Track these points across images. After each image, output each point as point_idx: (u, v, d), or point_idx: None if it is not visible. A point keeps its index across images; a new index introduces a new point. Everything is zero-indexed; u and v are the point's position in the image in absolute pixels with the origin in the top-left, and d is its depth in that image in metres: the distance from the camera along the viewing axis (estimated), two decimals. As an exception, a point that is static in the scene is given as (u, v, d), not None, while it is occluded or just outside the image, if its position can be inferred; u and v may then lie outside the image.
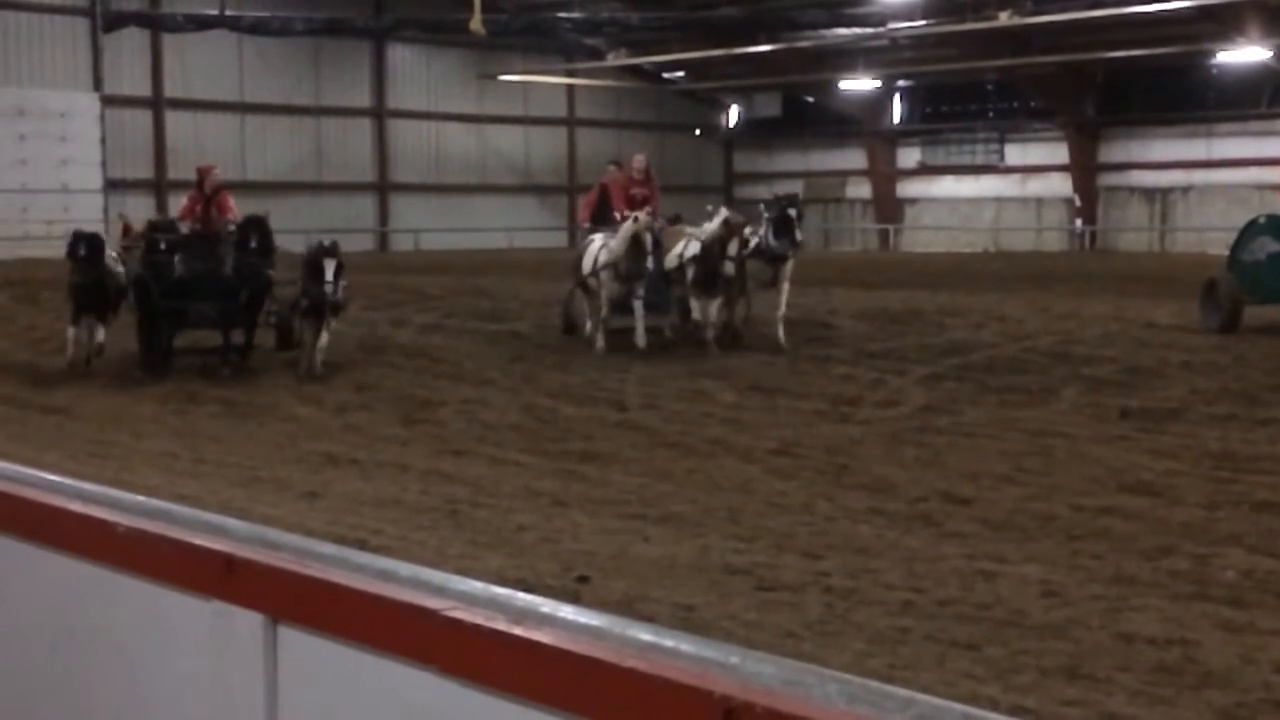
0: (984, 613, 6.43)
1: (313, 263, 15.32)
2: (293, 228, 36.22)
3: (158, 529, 2.51)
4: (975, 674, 5.58)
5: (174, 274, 15.22)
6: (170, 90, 41.54)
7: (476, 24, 31.42)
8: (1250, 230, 18.13)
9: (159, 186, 41.34)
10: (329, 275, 15.15)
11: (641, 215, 16.39)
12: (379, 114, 45.85)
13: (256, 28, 39.02)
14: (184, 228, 16.56)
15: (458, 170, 47.04)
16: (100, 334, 15.75)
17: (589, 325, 17.23)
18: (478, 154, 47.76)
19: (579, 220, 18.86)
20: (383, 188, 45.97)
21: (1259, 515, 8.28)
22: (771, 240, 16.86)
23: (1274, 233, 17.40)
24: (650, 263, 16.16)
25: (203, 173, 16.92)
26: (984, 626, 6.22)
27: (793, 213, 17.02)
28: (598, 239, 17.19)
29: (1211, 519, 8.22)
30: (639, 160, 18.88)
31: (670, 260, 16.65)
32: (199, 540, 2.40)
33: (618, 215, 17.51)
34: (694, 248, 16.50)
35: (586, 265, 17.08)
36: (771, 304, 17.10)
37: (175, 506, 2.70)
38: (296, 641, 2.22)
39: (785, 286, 16.99)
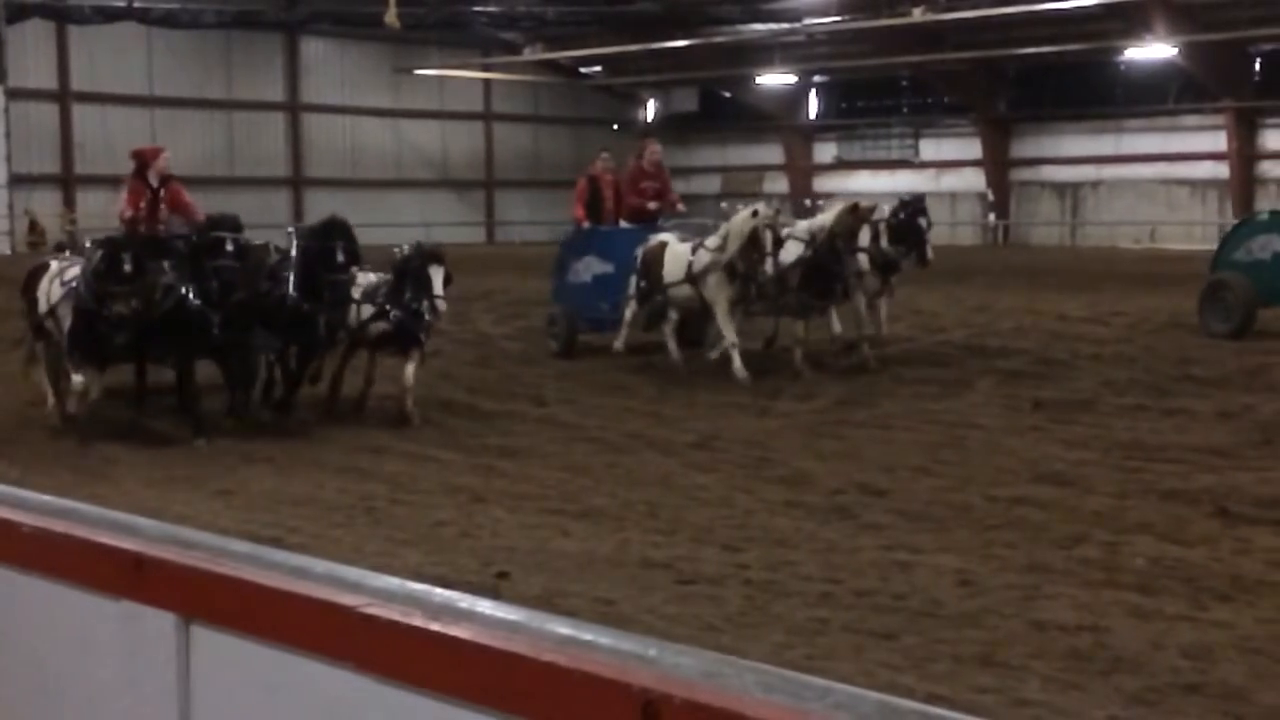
0: (900, 603, 6.50)
1: (410, 270, 11.71)
2: (205, 223, 35.76)
3: (64, 528, 2.46)
4: (892, 663, 5.64)
5: (235, 294, 11.20)
6: (77, 83, 40.81)
7: (391, 17, 31.22)
8: (1247, 228, 16.95)
9: (66, 182, 40.63)
10: (438, 288, 11.61)
11: (761, 207, 13.90)
12: (293, 108, 45.35)
13: (166, 20, 38.44)
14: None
15: (373, 165, 46.65)
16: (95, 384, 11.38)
17: (670, 345, 14.50)
18: (393, 149, 47.40)
19: (577, 219, 16.08)
20: (297, 182, 45.48)
21: (1167, 504, 8.44)
22: (887, 247, 14.39)
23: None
24: (771, 264, 13.52)
25: (146, 157, 12.51)
26: (900, 616, 6.29)
27: (924, 222, 14.55)
28: (671, 239, 14.67)
29: (1121, 508, 8.37)
30: (655, 150, 16.26)
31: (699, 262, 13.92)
32: (107, 539, 2.36)
33: (660, 208, 15.74)
34: (794, 249, 13.91)
35: (674, 272, 14.18)
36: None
37: (82, 505, 2.65)
38: (209, 641, 2.19)
39: (888, 301, 14.95)
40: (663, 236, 14.81)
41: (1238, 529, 7.78)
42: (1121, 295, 21.19)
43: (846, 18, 38.16)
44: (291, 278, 11.32)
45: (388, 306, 11.78)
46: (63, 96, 40.72)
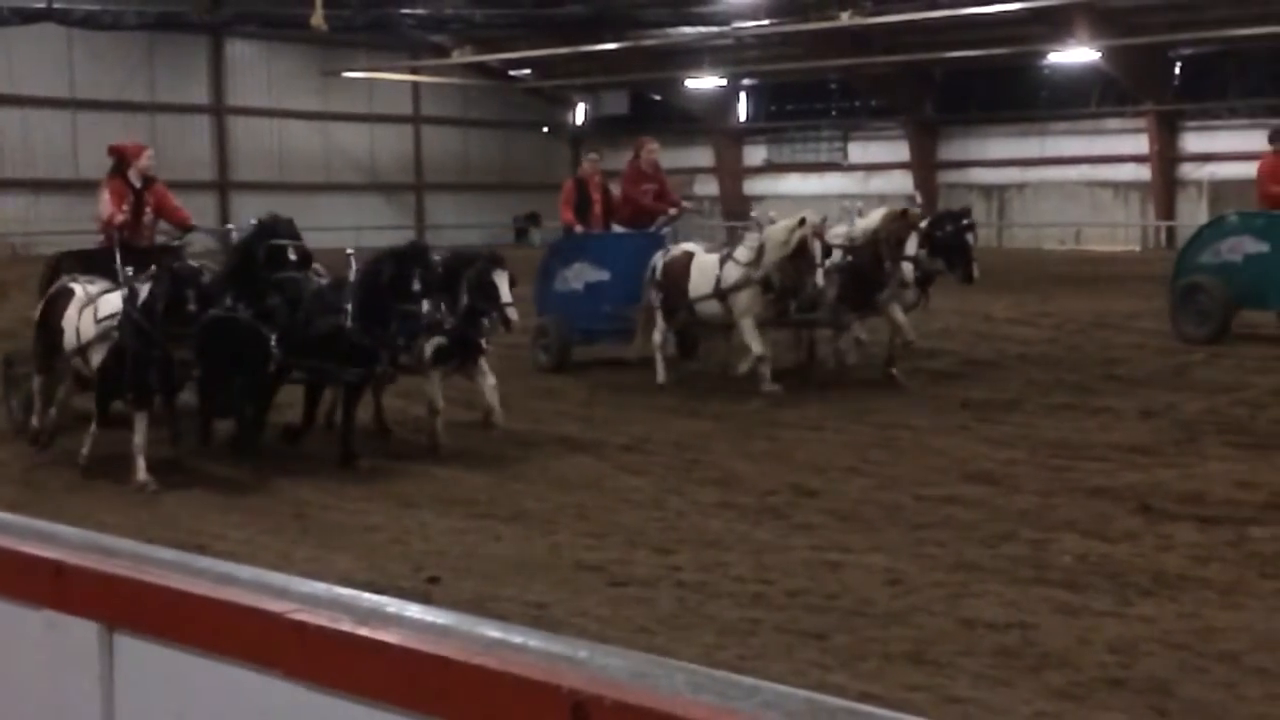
0: (831, 602, 6.55)
1: (470, 278, 10.51)
2: (130, 227, 35.19)
3: (-16, 537, 2.41)
4: (823, 662, 5.68)
5: (304, 317, 9.92)
6: (-4, 86, 40.10)
7: (318, 19, 30.90)
8: (1214, 231, 16.39)
9: (-14, 185, 39.88)
10: (507, 295, 10.51)
11: (809, 216, 12.69)
12: (218, 111, 44.82)
13: (86, 21, 37.80)
14: (96, 240, 11.34)
15: (301, 169, 46.20)
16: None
17: (657, 360, 13.59)
18: (322, 152, 46.98)
19: (569, 224, 15.00)
20: (223, 186, 44.94)
21: (1092, 501, 8.57)
22: (924, 258, 13.23)
23: (1254, 231, 15.63)
24: (820, 277, 12.39)
25: (127, 155, 11.05)
26: (831, 616, 6.34)
27: (971, 239, 13.55)
28: (697, 248, 13.80)
29: (1048, 506, 8.49)
30: (652, 149, 15.41)
31: (729, 277, 12.97)
32: (27, 547, 2.32)
33: (678, 211, 15.02)
34: (834, 256, 12.91)
35: (701, 285, 13.18)
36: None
37: (1, 514, 2.61)
38: (134, 650, 2.16)
39: (921, 311, 13.96)
40: (687, 246, 13.95)
41: (1161, 525, 7.91)
42: (1047, 296, 21.48)
43: (775, 21, 38.33)
44: (350, 306, 9.86)
45: (439, 317, 10.31)
46: (-19, 99, 40.01)
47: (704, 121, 48.79)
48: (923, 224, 13.40)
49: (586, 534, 8.03)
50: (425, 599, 6.01)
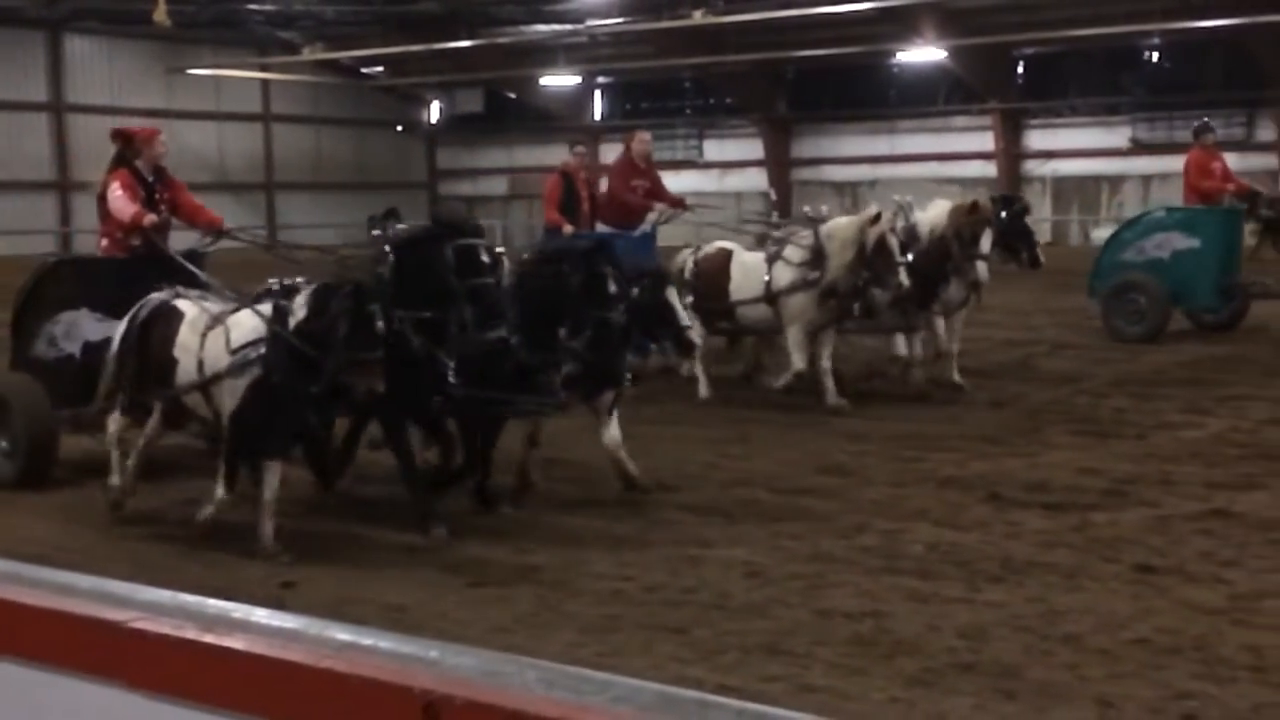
0: (690, 596, 6.60)
1: (644, 297, 8.72)
2: (-35, 229, 33.99)
3: None
4: (682, 656, 5.72)
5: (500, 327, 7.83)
6: None
7: (161, 15, 30.20)
8: (1137, 228, 16.03)
9: None
10: (684, 316, 9.01)
11: (883, 211, 11.53)
12: (57, 109, 43.49)
13: (-84, 15, 36.47)
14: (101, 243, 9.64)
15: (147, 167, 45.11)
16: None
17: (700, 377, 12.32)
18: (169, 151, 45.92)
19: (555, 224, 13.68)
20: (64, 186, 43.63)
21: (942, 491, 8.77)
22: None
23: (1183, 228, 15.39)
24: (905, 275, 11.23)
25: (136, 141, 9.45)
26: (690, 610, 6.39)
27: (1029, 222, 13.07)
28: (734, 245, 12.54)
29: (900, 496, 8.66)
30: (644, 139, 14.25)
31: (781, 279, 11.74)
32: None
33: (647, 209, 13.75)
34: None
35: (747, 288, 12.01)
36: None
37: None
38: (-34, 665, 2.08)
39: (961, 315, 12.83)
40: (722, 244, 12.60)
41: (1008, 513, 8.13)
42: (898, 291, 21.86)
43: (628, 19, 38.45)
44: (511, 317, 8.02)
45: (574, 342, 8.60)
46: None
47: (559, 120, 48.75)
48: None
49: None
50: (279, 604, 5.91)
